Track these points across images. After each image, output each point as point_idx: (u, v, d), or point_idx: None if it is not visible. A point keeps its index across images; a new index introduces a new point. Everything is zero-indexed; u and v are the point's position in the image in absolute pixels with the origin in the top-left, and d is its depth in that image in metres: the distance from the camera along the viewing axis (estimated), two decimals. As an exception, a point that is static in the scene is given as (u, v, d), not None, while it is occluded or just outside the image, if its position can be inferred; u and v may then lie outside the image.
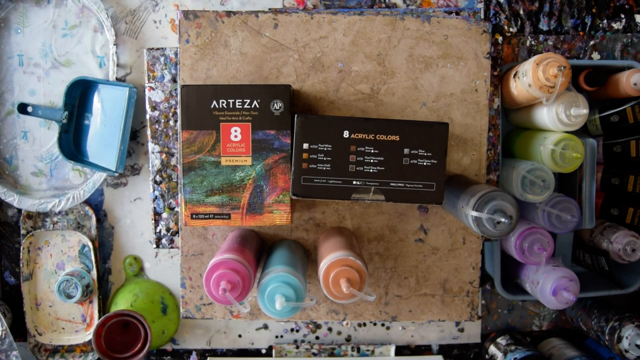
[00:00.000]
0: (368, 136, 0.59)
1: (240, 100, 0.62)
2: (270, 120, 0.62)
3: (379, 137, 0.59)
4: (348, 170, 0.59)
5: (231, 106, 0.62)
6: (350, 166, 0.59)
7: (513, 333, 0.95)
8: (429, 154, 0.59)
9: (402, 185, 0.59)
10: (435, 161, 0.59)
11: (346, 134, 0.59)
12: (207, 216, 0.64)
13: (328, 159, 0.59)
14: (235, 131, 0.63)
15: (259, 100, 0.62)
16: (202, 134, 0.63)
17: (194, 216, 0.64)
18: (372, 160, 0.59)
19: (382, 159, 0.59)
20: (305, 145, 0.59)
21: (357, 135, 0.59)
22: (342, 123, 0.59)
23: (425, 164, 0.59)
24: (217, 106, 0.62)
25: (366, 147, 0.59)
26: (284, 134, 0.62)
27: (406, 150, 0.59)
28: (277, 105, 0.62)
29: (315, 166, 0.59)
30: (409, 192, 0.59)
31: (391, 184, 0.59)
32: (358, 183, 0.59)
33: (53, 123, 0.91)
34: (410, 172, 0.59)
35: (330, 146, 0.59)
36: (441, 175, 0.59)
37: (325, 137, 0.59)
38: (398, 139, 0.59)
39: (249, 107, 0.62)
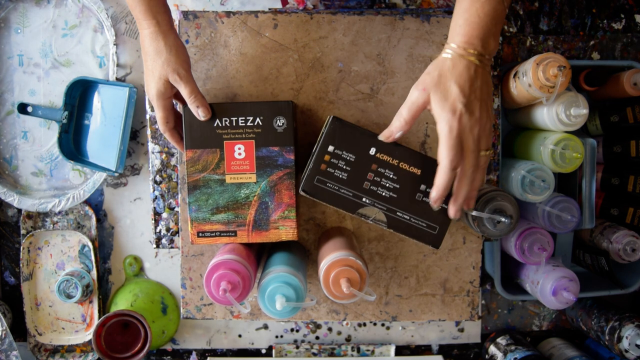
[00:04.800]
0: (392, 160, 0.58)
1: (243, 118, 0.62)
2: (273, 137, 0.62)
3: (402, 165, 0.58)
4: (362, 186, 0.58)
5: (234, 124, 0.62)
6: (365, 183, 0.58)
7: (513, 333, 0.95)
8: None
9: (408, 218, 0.59)
10: (446, 207, 0.58)
11: (372, 151, 0.58)
12: (214, 234, 0.64)
13: (347, 168, 0.58)
14: (239, 149, 0.63)
15: (261, 118, 0.62)
16: (206, 153, 0.63)
17: (200, 234, 0.64)
18: (387, 185, 0.58)
19: (397, 186, 0.58)
20: (331, 148, 0.58)
21: (382, 156, 0.58)
22: (371, 140, 0.58)
23: None
24: (220, 124, 0.62)
25: (387, 170, 0.58)
26: (287, 150, 0.62)
27: (422, 187, 0.58)
28: (280, 122, 0.62)
29: (333, 171, 0.58)
30: (411, 227, 0.59)
31: (398, 213, 0.59)
32: (367, 201, 0.59)
33: (53, 123, 0.91)
34: (420, 208, 0.59)
35: (353, 157, 0.58)
36: (447, 222, 0.59)
37: (352, 147, 0.58)
38: (419, 173, 0.58)
39: (252, 124, 0.62)
